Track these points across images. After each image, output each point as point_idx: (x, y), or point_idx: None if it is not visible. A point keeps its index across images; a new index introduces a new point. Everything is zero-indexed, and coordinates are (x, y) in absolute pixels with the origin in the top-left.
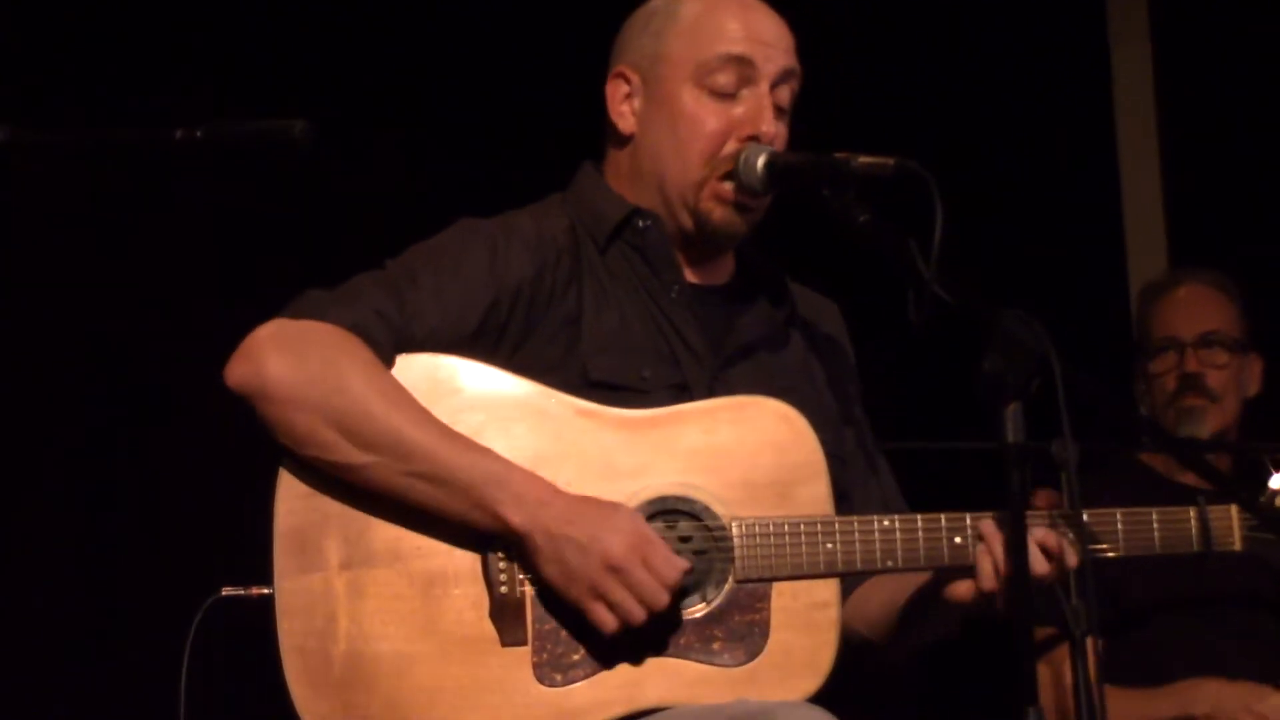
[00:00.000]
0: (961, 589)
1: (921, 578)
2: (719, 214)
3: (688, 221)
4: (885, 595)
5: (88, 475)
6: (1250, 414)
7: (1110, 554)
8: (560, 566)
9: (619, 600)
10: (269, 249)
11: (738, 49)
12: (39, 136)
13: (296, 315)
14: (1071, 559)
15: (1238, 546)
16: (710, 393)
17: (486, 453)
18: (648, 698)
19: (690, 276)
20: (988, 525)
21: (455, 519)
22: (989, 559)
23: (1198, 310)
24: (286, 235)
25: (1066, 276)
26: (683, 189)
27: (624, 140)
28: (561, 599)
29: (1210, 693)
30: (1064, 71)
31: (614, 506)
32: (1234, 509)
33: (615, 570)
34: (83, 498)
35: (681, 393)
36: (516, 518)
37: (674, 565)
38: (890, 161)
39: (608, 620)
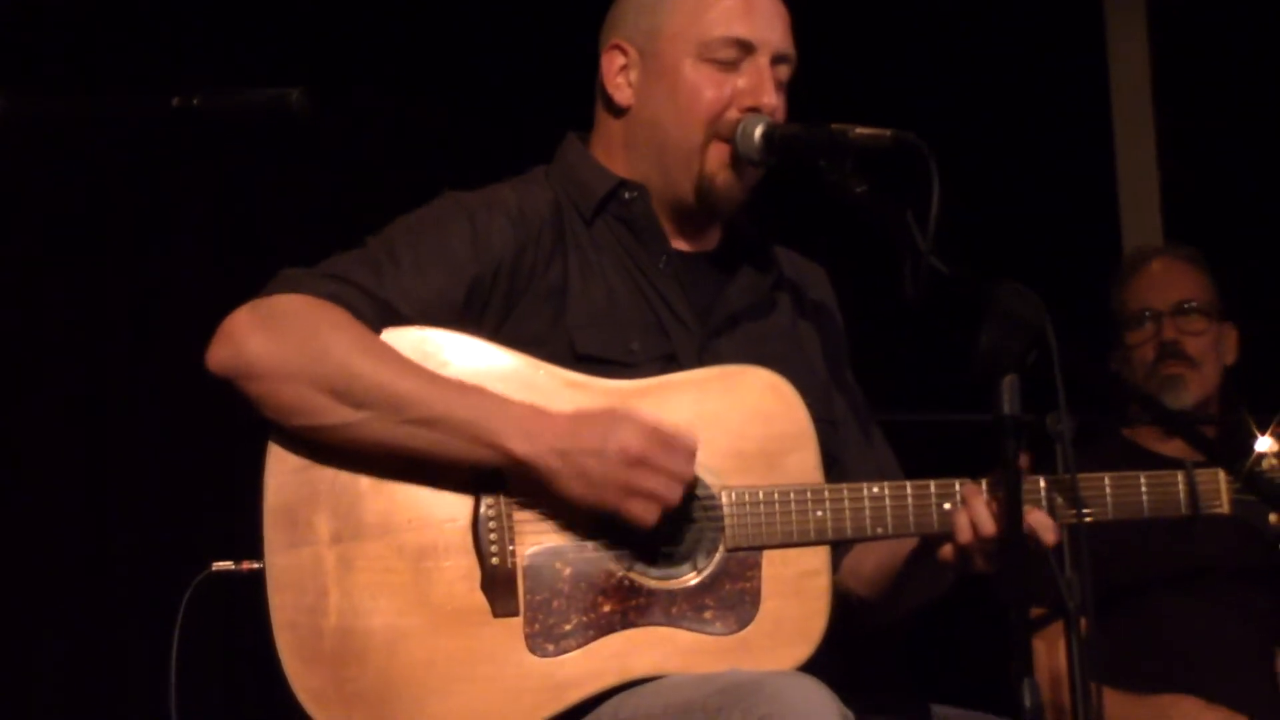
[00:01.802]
0: (945, 550)
1: (912, 543)
2: (721, 178)
3: (687, 189)
4: (880, 555)
5: (77, 452)
6: (1236, 390)
7: (1099, 518)
8: (583, 479)
9: (654, 488)
10: (256, 223)
11: (738, 30)
12: (34, 105)
13: (272, 293)
14: (1050, 540)
15: (1226, 509)
16: (699, 362)
17: (478, 389)
18: (640, 667)
19: (678, 246)
20: (970, 487)
21: (457, 460)
22: (964, 515)
23: (1171, 279)
24: (272, 209)
25: (1061, 251)
26: (685, 155)
27: (619, 112)
28: (594, 510)
29: (1187, 712)
30: (1060, 45)
31: (609, 410)
32: (1222, 472)
33: (639, 461)
34: (72, 474)
35: (670, 363)
36: (520, 446)
37: (688, 435)
38: (887, 133)
39: (648, 513)
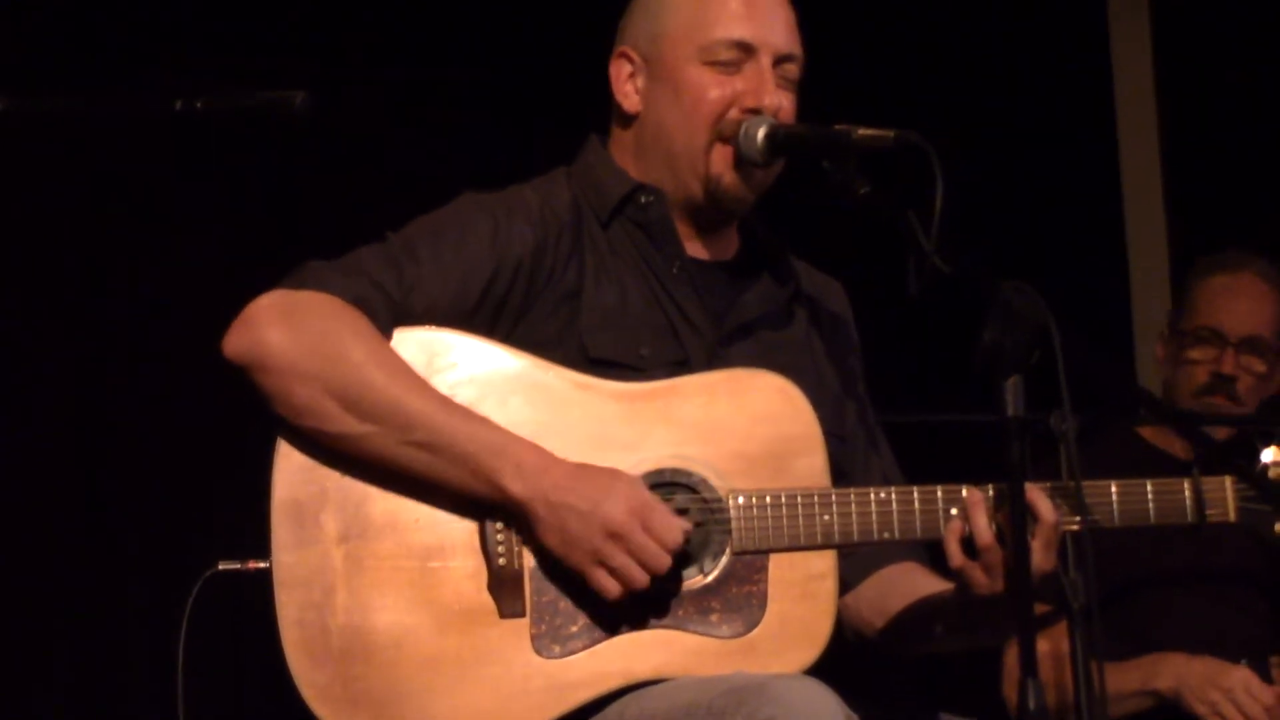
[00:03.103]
0: (953, 591)
1: (940, 586)
2: (728, 179)
3: (697, 190)
4: (903, 598)
5: (82, 452)
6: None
7: (1105, 525)
8: (561, 535)
9: (620, 565)
10: (266, 220)
11: (738, 32)
12: (38, 106)
13: (296, 286)
14: (1050, 518)
15: (1232, 518)
16: (710, 368)
17: (485, 422)
18: (646, 669)
19: (694, 252)
20: (974, 494)
21: (454, 489)
22: (956, 538)
23: (1250, 307)
24: (284, 207)
25: (1065, 249)
26: (691, 156)
27: (629, 118)
28: (563, 567)
29: (1174, 667)
30: (1064, 45)
31: (613, 473)
32: (1228, 480)
33: (616, 536)
34: (77, 474)
35: (681, 369)
36: (516, 486)
37: (674, 528)
38: (891, 134)
39: (610, 586)
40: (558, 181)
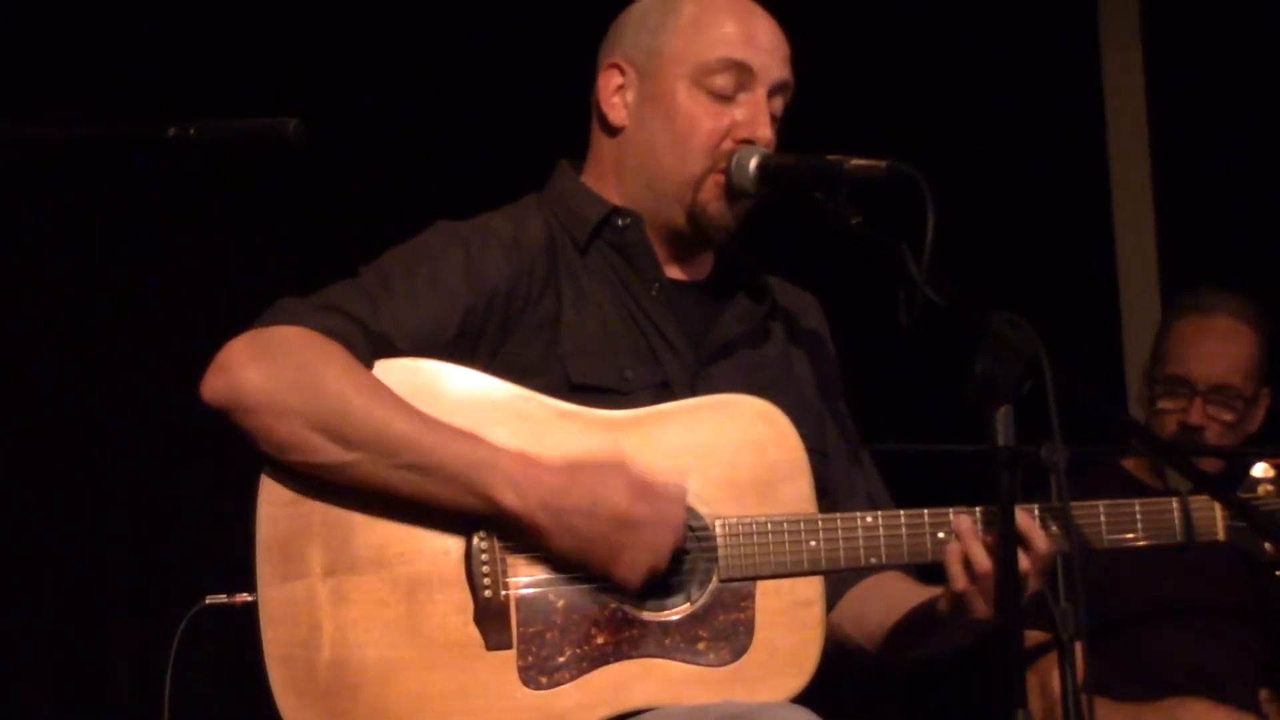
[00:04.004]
0: (942, 604)
1: (919, 595)
2: (714, 207)
3: (679, 216)
4: (881, 608)
5: (70, 485)
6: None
7: (1094, 546)
8: (573, 537)
9: (640, 551)
10: (252, 255)
11: (737, 54)
12: (31, 133)
13: (268, 324)
14: (1043, 546)
15: (1221, 536)
16: (692, 390)
17: (471, 437)
18: (634, 699)
19: (671, 273)
20: (962, 522)
21: (447, 508)
22: (958, 560)
23: (1218, 353)
24: (267, 241)
25: (1056, 279)
26: (679, 184)
27: (613, 132)
28: (550, 596)
29: (1198, 714)
30: (1055, 75)
31: (600, 462)
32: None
33: (627, 525)
34: (65, 508)
35: (664, 391)
36: (510, 499)
37: (676, 496)
38: (882, 164)
39: (635, 574)
40: (529, 208)
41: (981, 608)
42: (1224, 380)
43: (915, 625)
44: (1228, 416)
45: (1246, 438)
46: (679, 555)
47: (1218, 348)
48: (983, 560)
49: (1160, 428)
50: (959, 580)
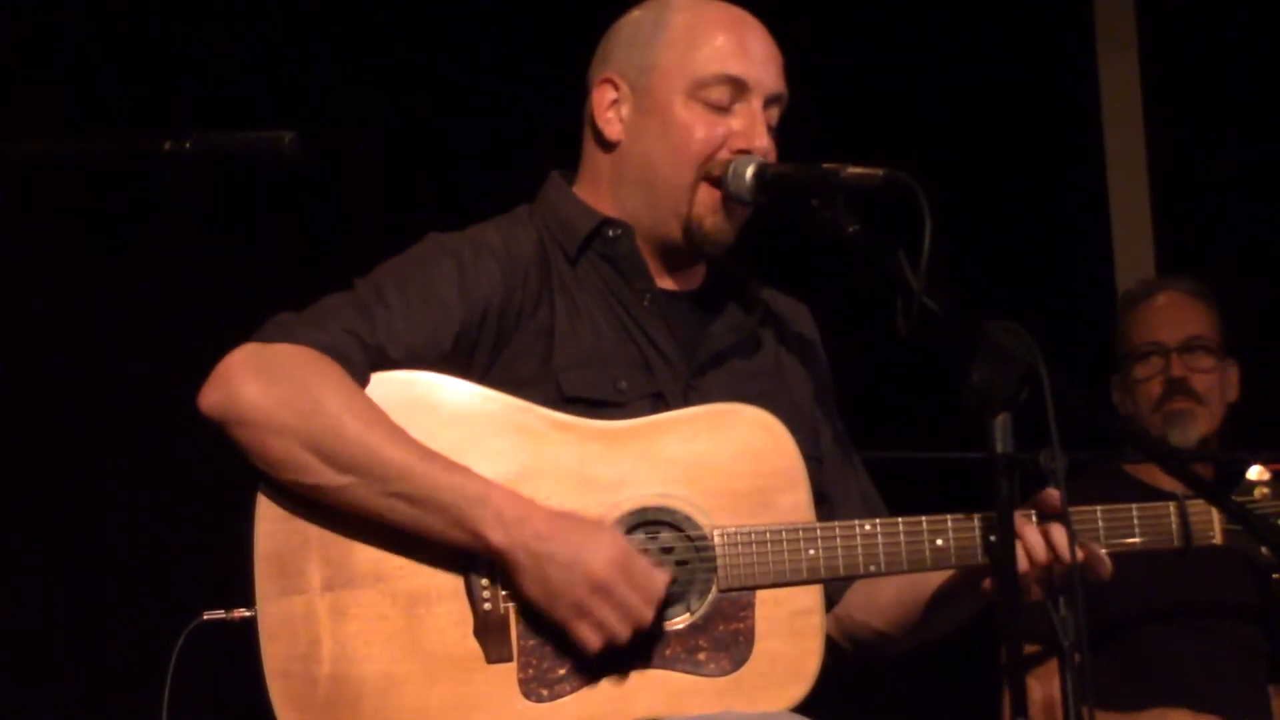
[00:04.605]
0: (988, 581)
1: (940, 583)
2: (710, 221)
3: (675, 229)
4: (899, 586)
5: (68, 501)
6: (1230, 423)
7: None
8: (543, 585)
9: (603, 619)
10: (247, 268)
11: (731, 68)
12: (26, 147)
13: (267, 339)
14: (1042, 555)
15: (1218, 540)
16: (685, 400)
17: (465, 471)
18: (635, 710)
19: (662, 284)
20: (1018, 517)
21: (435, 538)
22: (1025, 545)
23: (1180, 315)
24: (262, 255)
25: (1054, 287)
26: (674, 195)
27: (608, 147)
28: (545, 617)
29: None
30: (1052, 81)
31: (594, 523)
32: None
33: (599, 589)
34: (63, 524)
35: (658, 401)
36: (496, 536)
37: (656, 580)
38: (879, 172)
39: (592, 639)
40: (520, 220)
41: (1036, 592)
42: (1191, 332)
43: (935, 598)
44: (1206, 363)
45: (1230, 407)
46: (679, 564)
47: (1176, 311)
48: (1042, 551)
49: (1145, 396)
50: (1024, 560)
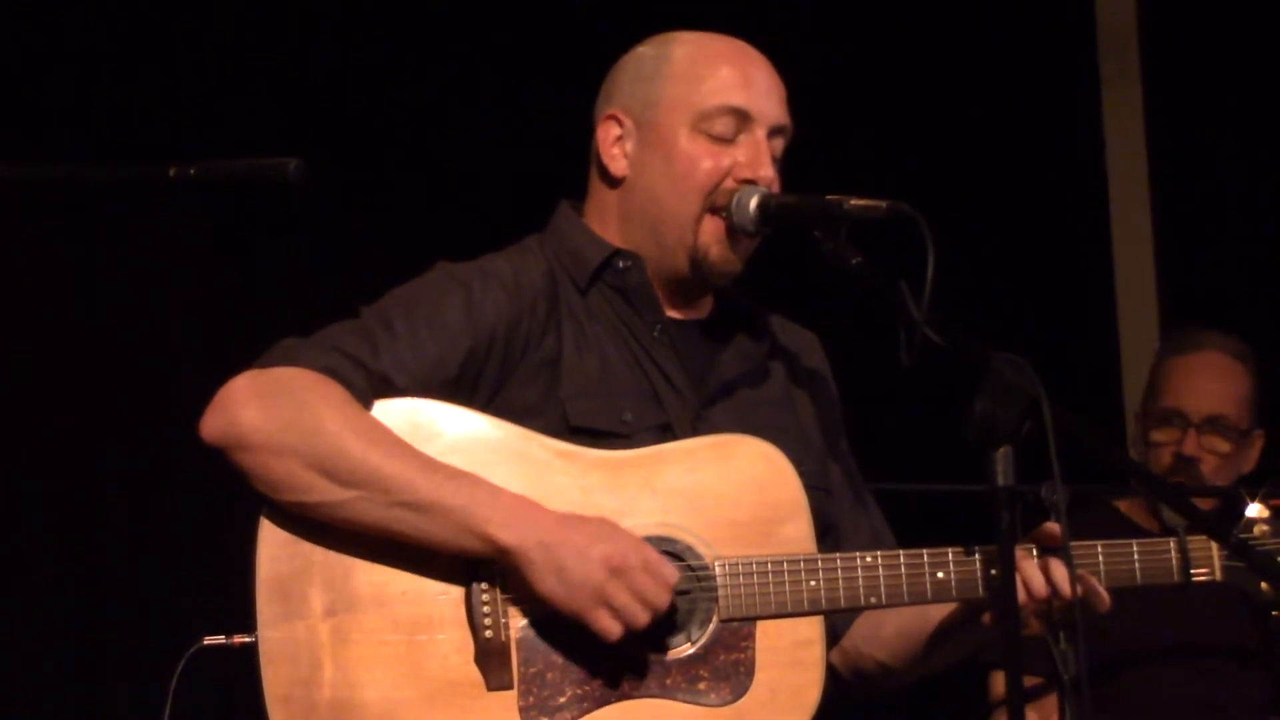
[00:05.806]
0: (988, 616)
1: (943, 617)
2: (715, 251)
3: (682, 262)
4: (904, 618)
5: (69, 526)
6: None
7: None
8: (559, 576)
9: (624, 604)
10: (252, 295)
11: (735, 100)
12: (32, 171)
13: (269, 364)
14: (1042, 590)
15: (1218, 576)
16: (694, 431)
17: (469, 476)
18: None
19: (671, 314)
20: (1019, 551)
21: (443, 547)
22: (1023, 578)
23: (1211, 387)
24: (267, 282)
25: (1056, 319)
26: (679, 227)
27: (614, 182)
28: (556, 626)
29: None
30: (1056, 114)
31: (600, 519)
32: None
33: (617, 572)
34: (63, 548)
35: (665, 433)
36: (506, 535)
37: (668, 567)
38: (883, 204)
39: (613, 627)
40: (530, 250)
41: (1035, 625)
42: (1217, 412)
43: (946, 631)
44: (1223, 448)
45: (1241, 479)
46: (680, 594)
47: (1210, 380)
48: (1040, 586)
49: (1155, 461)
50: (1022, 592)
